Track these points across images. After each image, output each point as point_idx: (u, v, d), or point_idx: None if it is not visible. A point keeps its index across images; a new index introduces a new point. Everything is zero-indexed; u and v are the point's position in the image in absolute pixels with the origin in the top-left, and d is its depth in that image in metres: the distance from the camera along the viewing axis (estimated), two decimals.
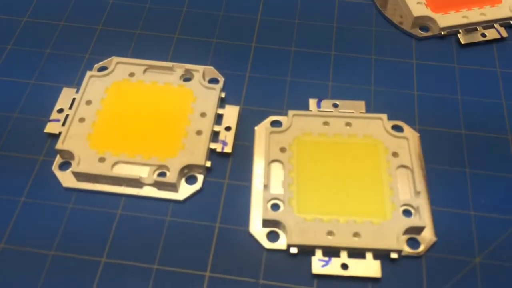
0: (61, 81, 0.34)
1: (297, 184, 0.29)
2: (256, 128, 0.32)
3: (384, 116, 0.32)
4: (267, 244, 0.28)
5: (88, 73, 0.33)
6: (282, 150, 0.30)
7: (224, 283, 0.26)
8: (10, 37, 0.37)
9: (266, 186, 0.29)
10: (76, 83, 0.34)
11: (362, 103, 0.33)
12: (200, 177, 0.30)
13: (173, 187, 0.29)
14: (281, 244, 0.28)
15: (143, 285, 0.26)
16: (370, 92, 0.34)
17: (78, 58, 0.35)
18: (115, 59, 0.34)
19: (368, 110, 0.33)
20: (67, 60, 0.35)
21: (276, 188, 0.29)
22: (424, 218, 0.28)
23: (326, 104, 0.33)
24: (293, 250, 0.27)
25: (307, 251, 0.27)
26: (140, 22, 0.38)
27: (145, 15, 0.38)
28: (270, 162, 0.30)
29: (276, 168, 0.30)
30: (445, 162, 0.31)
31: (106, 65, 0.34)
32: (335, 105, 0.33)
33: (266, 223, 0.28)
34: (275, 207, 0.28)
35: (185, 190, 0.29)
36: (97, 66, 0.34)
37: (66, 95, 0.33)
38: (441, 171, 0.30)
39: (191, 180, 0.30)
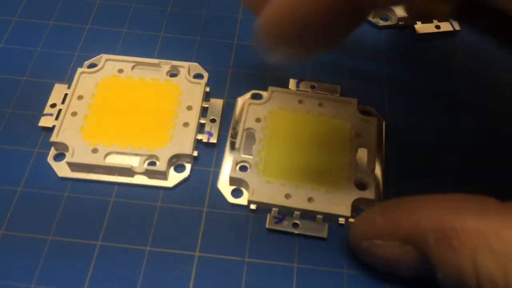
0: (53, 78, 0.36)
1: (266, 151, 0.32)
2: (238, 99, 0.35)
3: (355, 101, 0.34)
4: (231, 199, 0.31)
5: (79, 70, 0.35)
6: (258, 120, 0.33)
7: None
8: (1, 36, 0.38)
9: (237, 149, 0.32)
10: (67, 80, 0.36)
11: (337, 87, 0.36)
12: (188, 166, 0.32)
13: (163, 175, 0.31)
14: (243, 200, 0.31)
15: (137, 265, 0.28)
16: (344, 78, 0.37)
17: (68, 55, 0.37)
18: (104, 57, 0.36)
19: (343, 94, 0.35)
20: (58, 57, 0.37)
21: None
22: (374, 193, 0.30)
23: (305, 85, 0.36)
24: (253, 206, 0.30)
25: (264, 209, 0.30)
26: (126, 21, 0.39)
27: (131, 14, 0.40)
28: (244, 129, 0.33)
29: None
30: (406, 150, 0.33)
31: (96, 62, 0.36)
32: (313, 87, 0.36)
33: (232, 181, 0.31)
34: (243, 168, 0.31)
35: (174, 178, 0.32)
36: (87, 63, 0.36)
37: (58, 90, 0.35)
38: (400, 157, 0.33)
39: (179, 168, 0.32)
